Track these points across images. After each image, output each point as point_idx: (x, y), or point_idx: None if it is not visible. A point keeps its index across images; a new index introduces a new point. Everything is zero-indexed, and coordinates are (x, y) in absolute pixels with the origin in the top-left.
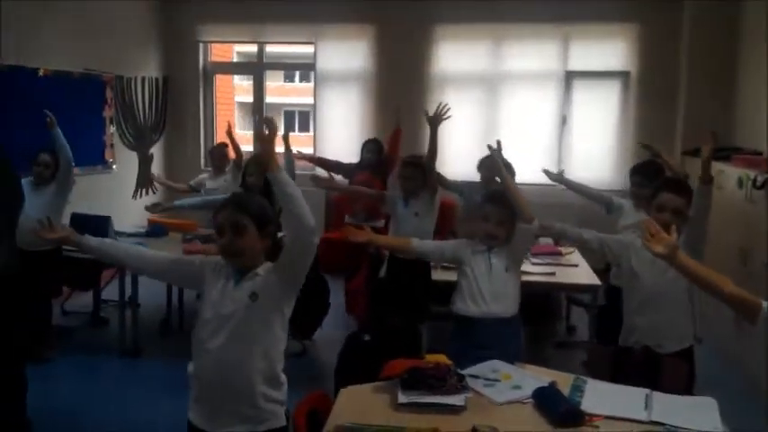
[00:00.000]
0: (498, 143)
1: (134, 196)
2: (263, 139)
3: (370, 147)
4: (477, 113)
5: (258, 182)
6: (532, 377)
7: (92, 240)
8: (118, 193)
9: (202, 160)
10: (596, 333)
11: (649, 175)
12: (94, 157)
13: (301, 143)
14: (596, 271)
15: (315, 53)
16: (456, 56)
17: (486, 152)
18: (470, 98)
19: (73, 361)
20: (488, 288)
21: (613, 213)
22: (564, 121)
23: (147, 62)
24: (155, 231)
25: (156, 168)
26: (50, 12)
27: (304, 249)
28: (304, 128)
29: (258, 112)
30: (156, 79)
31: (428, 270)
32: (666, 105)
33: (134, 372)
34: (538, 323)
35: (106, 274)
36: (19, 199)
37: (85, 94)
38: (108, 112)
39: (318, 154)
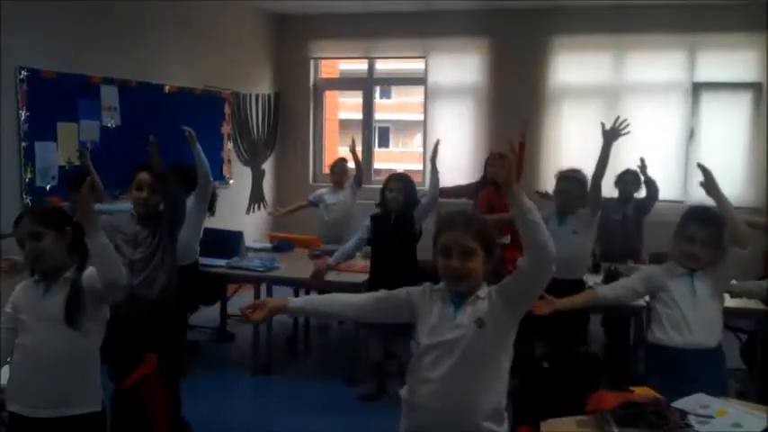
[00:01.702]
0: (642, 161)
1: (248, 211)
2: (504, 164)
3: (494, 161)
4: (599, 127)
5: (399, 197)
6: (750, 414)
7: (298, 302)
8: (233, 208)
9: (311, 176)
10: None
11: None
12: (214, 172)
13: (381, 159)
14: None
15: (426, 67)
16: (575, 67)
17: (621, 167)
18: (590, 111)
19: (206, 377)
20: (693, 315)
21: None
22: (691, 134)
23: (259, 78)
24: (282, 246)
25: (267, 183)
26: (173, 29)
27: (543, 277)
28: (383, 143)
29: (368, 128)
30: (269, 96)
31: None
32: None
33: (270, 388)
34: None
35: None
36: (182, 216)
37: (206, 111)
38: (226, 129)
39: (427, 171)
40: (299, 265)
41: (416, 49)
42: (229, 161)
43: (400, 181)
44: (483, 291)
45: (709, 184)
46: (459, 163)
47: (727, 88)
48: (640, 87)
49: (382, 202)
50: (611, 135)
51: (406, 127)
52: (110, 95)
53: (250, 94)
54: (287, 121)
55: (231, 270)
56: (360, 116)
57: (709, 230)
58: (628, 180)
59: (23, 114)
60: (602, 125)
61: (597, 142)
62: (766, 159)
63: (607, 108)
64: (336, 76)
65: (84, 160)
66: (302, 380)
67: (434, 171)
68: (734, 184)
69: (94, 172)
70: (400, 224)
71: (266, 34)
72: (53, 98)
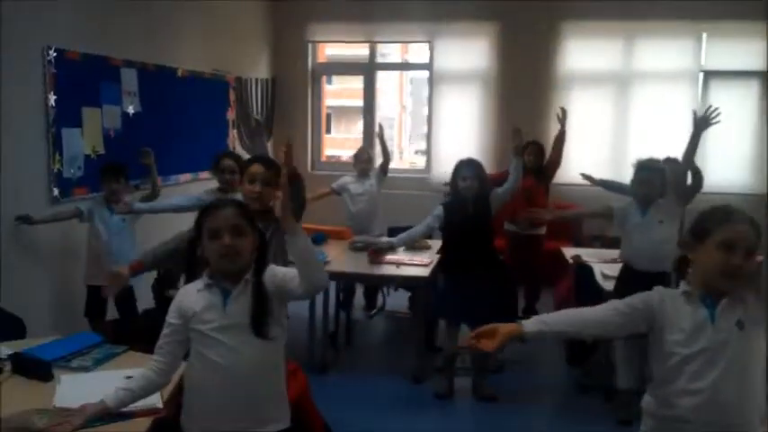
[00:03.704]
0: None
1: None
2: None
3: (533, 150)
4: (607, 114)
5: (474, 185)
6: None
7: (533, 326)
8: None
9: (309, 164)
10: None
11: None
12: None
13: (337, 145)
14: None
15: (431, 52)
16: (584, 54)
17: (628, 154)
18: (599, 98)
19: None
20: None
21: None
22: None
23: (258, 63)
24: (318, 239)
25: None
26: (182, 10)
27: None
28: (326, 130)
29: (369, 115)
30: (267, 80)
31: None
32: None
33: (332, 388)
34: None
35: None
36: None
37: (213, 96)
38: (231, 115)
39: (433, 159)
40: (347, 258)
41: (421, 34)
42: (234, 149)
43: (473, 167)
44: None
45: None
46: (464, 151)
47: (736, 77)
48: (649, 75)
49: (454, 191)
50: (703, 124)
51: (347, 113)
52: (130, 79)
53: (250, 79)
54: (284, 107)
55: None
56: (342, 102)
57: None
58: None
59: (51, 99)
60: (694, 113)
61: (606, 129)
62: None
63: (615, 95)
64: (324, 60)
65: (149, 160)
66: (362, 377)
67: (519, 158)
68: (740, 172)
69: (156, 174)
70: (478, 212)
71: (264, 15)
72: (78, 81)
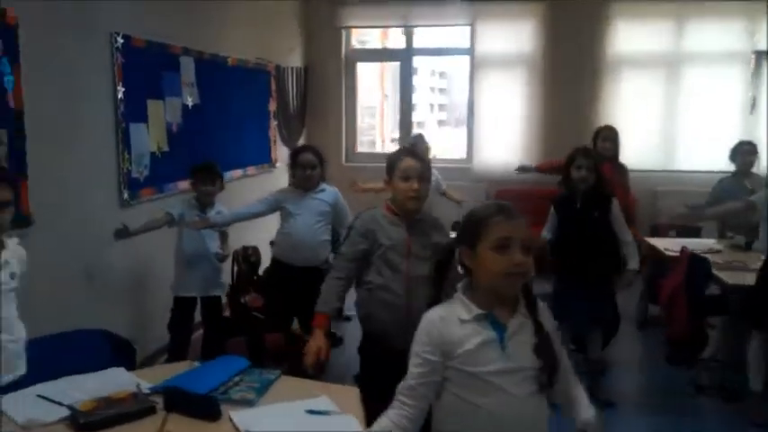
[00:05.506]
0: None
1: None
2: None
3: (607, 135)
4: (657, 97)
5: (590, 177)
6: None
7: None
8: None
9: (343, 156)
10: None
11: None
12: (263, 154)
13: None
14: None
15: (472, 35)
16: (633, 35)
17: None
18: (649, 80)
19: None
20: None
21: None
22: (753, 105)
23: (291, 51)
24: None
25: None
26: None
27: None
28: None
29: (405, 102)
30: (300, 69)
31: None
32: None
33: None
34: None
35: None
36: None
37: (257, 86)
38: (272, 105)
39: (475, 147)
40: None
41: (461, 16)
42: (275, 141)
43: (589, 157)
44: None
45: None
46: (509, 139)
47: None
48: (700, 56)
49: (566, 182)
50: None
51: None
52: (188, 69)
53: (287, 68)
54: (317, 96)
55: None
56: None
57: None
58: (745, 151)
59: (120, 91)
60: None
61: (656, 112)
62: None
63: (666, 77)
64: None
65: None
66: None
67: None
68: None
69: None
70: (587, 208)
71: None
72: (142, 71)
